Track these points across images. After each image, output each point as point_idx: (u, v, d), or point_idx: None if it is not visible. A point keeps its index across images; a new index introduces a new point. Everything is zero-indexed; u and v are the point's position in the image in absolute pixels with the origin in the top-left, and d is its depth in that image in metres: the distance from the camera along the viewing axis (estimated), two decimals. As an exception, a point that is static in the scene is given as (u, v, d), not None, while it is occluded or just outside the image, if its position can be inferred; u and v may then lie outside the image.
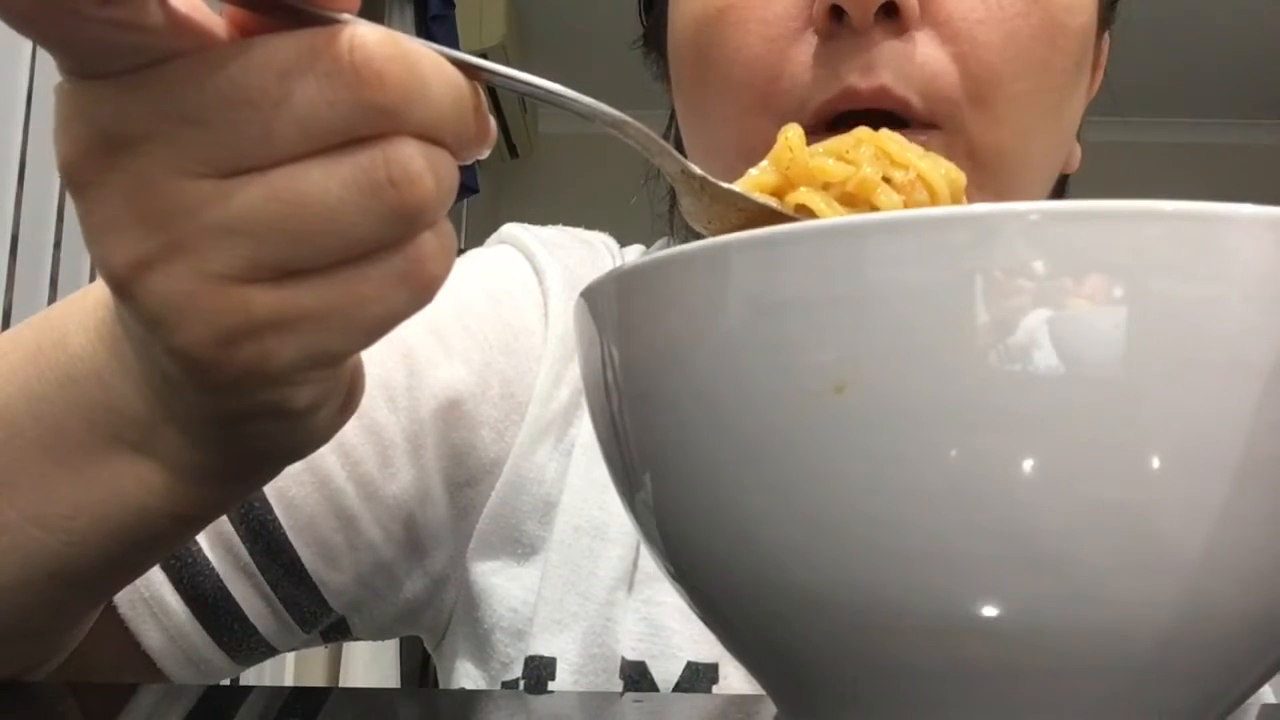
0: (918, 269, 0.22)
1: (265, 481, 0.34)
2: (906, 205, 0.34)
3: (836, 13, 0.45)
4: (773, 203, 0.34)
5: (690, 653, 0.50)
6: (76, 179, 0.25)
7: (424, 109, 0.25)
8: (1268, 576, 0.23)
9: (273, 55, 0.24)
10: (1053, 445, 0.22)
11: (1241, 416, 0.22)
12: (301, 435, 0.30)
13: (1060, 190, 0.57)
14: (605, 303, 0.28)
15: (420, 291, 0.26)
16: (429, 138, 0.25)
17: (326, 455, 0.49)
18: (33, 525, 0.32)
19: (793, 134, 0.34)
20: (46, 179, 1.36)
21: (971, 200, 0.40)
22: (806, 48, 0.46)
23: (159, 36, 0.24)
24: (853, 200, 0.33)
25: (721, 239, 0.25)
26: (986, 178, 0.47)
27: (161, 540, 0.33)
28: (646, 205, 0.64)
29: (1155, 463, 0.22)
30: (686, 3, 0.51)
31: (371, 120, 0.24)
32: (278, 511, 0.48)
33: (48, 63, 1.37)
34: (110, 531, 0.32)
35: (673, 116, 0.58)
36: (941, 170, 0.34)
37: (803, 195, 0.34)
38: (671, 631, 0.50)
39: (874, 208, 0.33)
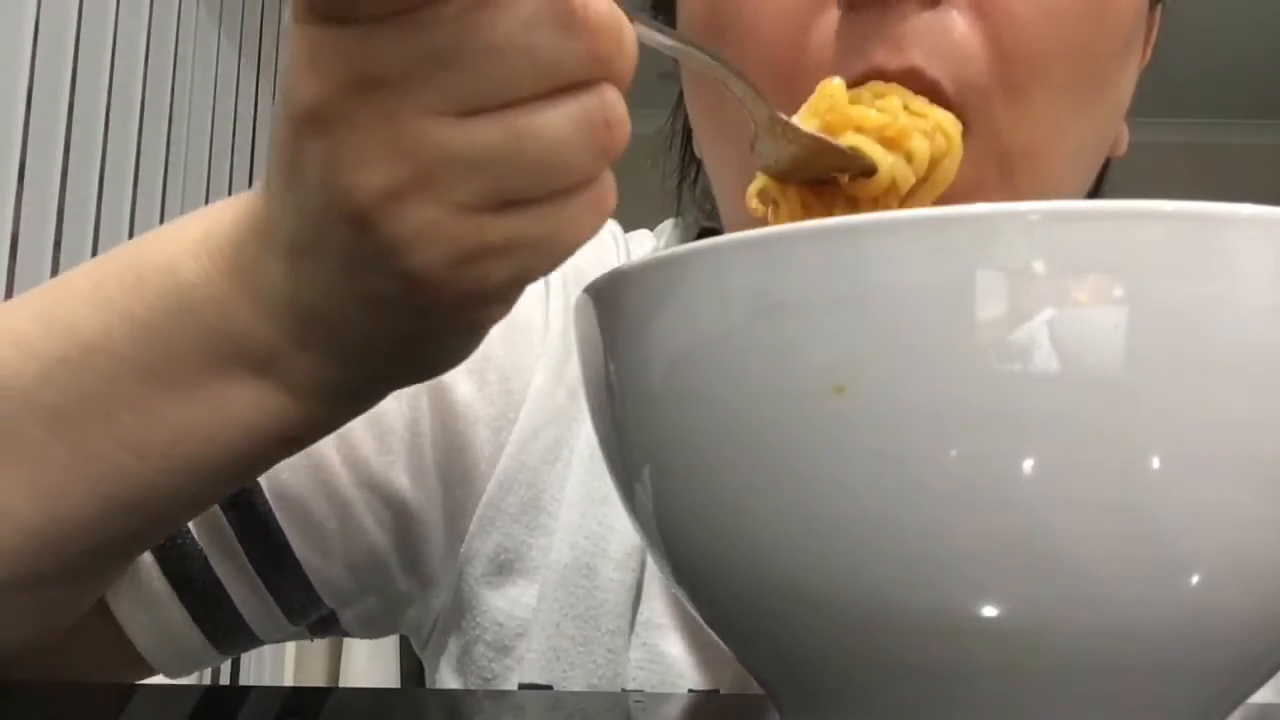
0: (918, 269, 0.22)
1: (380, 400, 0.35)
2: (931, 152, 0.39)
3: None
4: (845, 144, 0.38)
5: (690, 679, 0.49)
6: (324, 115, 0.27)
7: (623, 61, 0.28)
8: (1268, 577, 0.23)
9: (520, 6, 0.27)
10: (1053, 445, 0.22)
11: (1241, 416, 0.22)
12: (461, 355, 0.33)
13: (1101, 177, 0.52)
14: (606, 302, 0.28)
15: (602, 219, 0.30)
16: (620, 86, 0.29)
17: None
18: (128, 454, 0.33)
19: (835, 85, 0.38)
20: (46, 179, 1.36)
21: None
22: (829, 21, 0.43)
23: None
24: (890, 144, 0.38)
25: (722, 239, 0.25)
26: (1018, 181, 0.43)
27: (259, 464, 0.35)
28: (648, 198, 0.63)
29: (1155, 463, 0.22)
30: None
31: (593, 68, 0.27)
32: (268, 494, 0.48)
33: (48, 63, 1.38)
34: (212, 457, 0.33)
35: (678, 105, 0.56)
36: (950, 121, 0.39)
37: (850, 138, 0.38)
38: (672, 659, 0.49)
39: (909, 152, 0.38)
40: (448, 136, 0.27)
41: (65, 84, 1.40)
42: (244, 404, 0.33)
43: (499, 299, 0.30)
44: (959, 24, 0.42)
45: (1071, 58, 0.43)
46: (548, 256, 0.29)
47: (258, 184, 0.32)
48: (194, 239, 0.33)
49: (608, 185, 0.30)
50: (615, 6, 0.28)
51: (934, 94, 0.41)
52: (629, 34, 0.28)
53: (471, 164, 0.27)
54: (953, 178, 0.39)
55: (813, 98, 0.38)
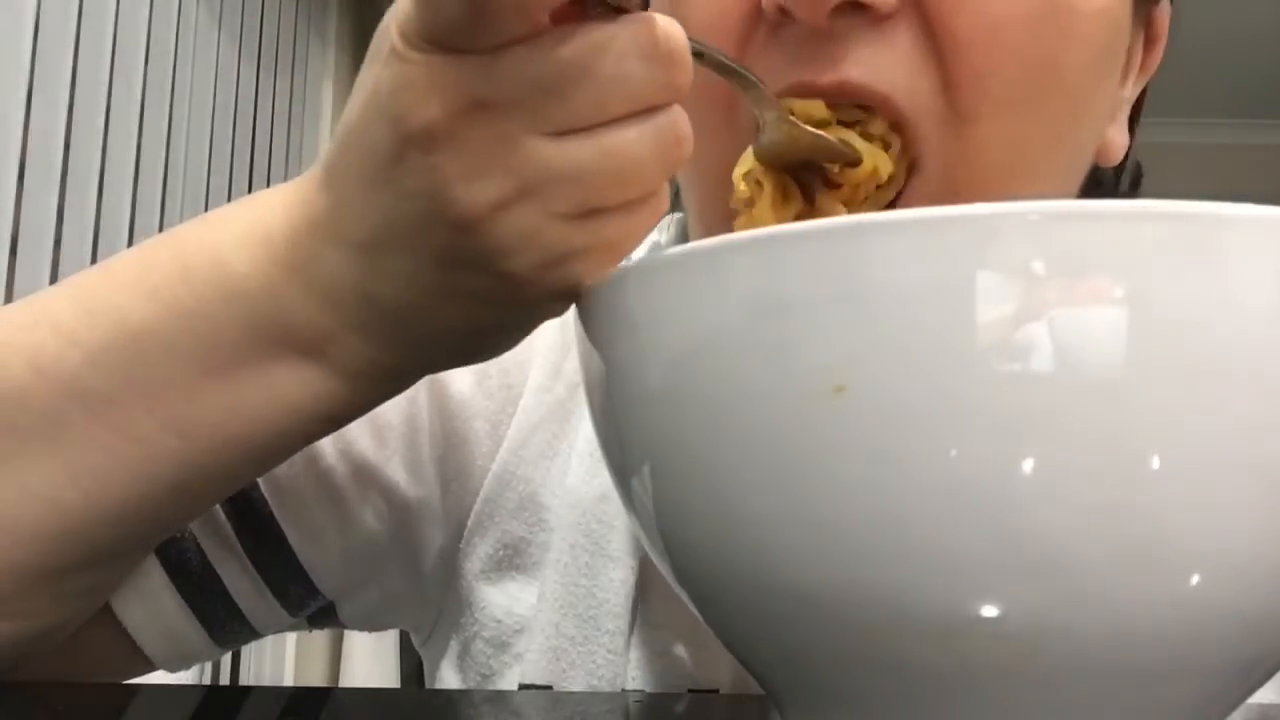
0: (918, 269, 0.22)
1: (417, 381, 0.37)
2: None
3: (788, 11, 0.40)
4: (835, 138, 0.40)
5: (690, 679, 0.49)
6: (438, 134, 0.30)
7: (687, 83, 0.31)
8: (1268, 577, 0.23)
9: (612, 40, 0.30)
10: (1053, 445, 0.22)
11: (1241, 417, 0.22)
12: (514, 343, 0.36)
13: (1092, 186, 0.49)
14: (606, 302, 0.28)
15: (656, 221, 0.33)
16: (682, 104, 0.32)
17: None
18: (174, 435, 0.35)
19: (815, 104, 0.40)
20: (46, 179, 1.36)
21: None
22: (762, 36, 0.42)
23: (535, 15, 0.29)
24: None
25: (722, 239, 0.25)
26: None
27: (300, 444, 0.37)
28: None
29: (1155, 463, 0.22)
30: None
31: (669, 93, 0.31)
32: (264, 488, 0.48)
33: (48, 62, 1.37)
34: (256, 436, 0.35)
35: None
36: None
37: (839, 132, 0.40)
38: (672, 659, 0.49)
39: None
40: (548, 154, 0.30)
41: (65, 84, 1.40)
42: (290, 386, 0.35)
43: (569, 296, 0.33)
44: (903, 44, 0.40)
45: (1027, 75, 0.40)
46: (615, 257, 0.32)
47: (308, 177, 0.34)
48: (241, 229, 0.35)
49: (664, 190, 0.33)
50: (682, 32, 0.31)
51: (884, 109, 0.40)
52: (689, 56, 0.31)
53: (566, 178, 0.30)
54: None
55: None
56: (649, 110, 0.31)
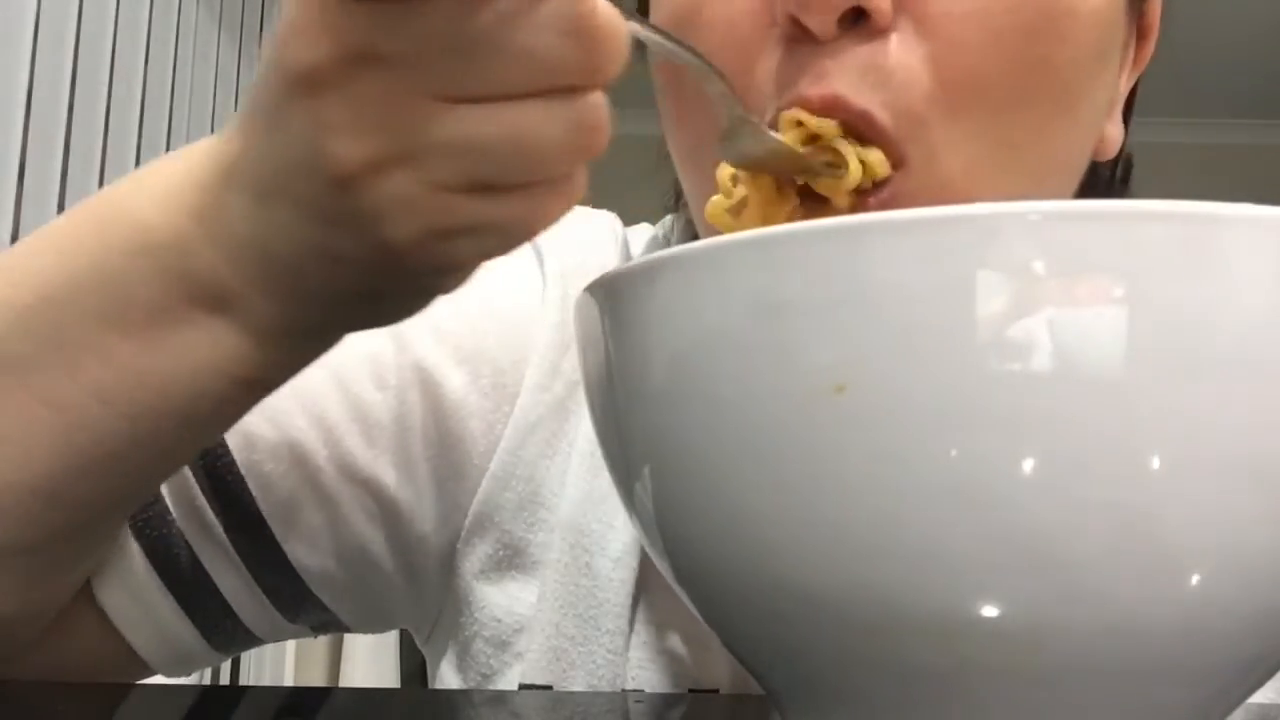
0: (918, 269, 0.22)
1: (335, 343, 0.36)
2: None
3: (800, 21, 0.41)
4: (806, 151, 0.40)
5: (691, 679, 0.49)
6: (320, 79, 0.28)
7: (614, 69, 0.29)
8: (1268, 576, 0.23)
9: (532, 9, 0.28)
10: (1053, 445, 0.22)
11: (1241, 416, 0.22)
12: (412, 313, 0.34)
13: (1091, 181, 0.49)
14: (607, 301, 0.28)
15: (568, 209, 0.31)
16: (606, 89, 0.30)
17: (306, 430, 0.48)
18: (96, 401, 0.34)
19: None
20: (46, 179, 1.36)
21: None
22: (774, 52, 0.42)
23: None
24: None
25: (722, 239, 0.25)
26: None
27: (227, 409, 0.36)
28: (649, 198, 0.62)
29: (1155, 463, 0.22)
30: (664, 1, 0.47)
31: (588, 76, 0.29)
32: (253, 489, 0.47)
33: (48, 63, 1.37)
34: (176, 399, 0.34)
35: None
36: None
37: (828, 129, 0.40)
38: (672, 659, 0.49)
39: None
40: (438, 120, 0.28)
41: (65, 84, 1.40)
42: (202, 345, 0.34)
43: (459, 272, 0.32)
44: (897, 53, 0.40)
45: (1022, 77, 0.41)
46: (512, 239, 0.31)
47: (227, 127, 0.33)
48: (161, 181, 0.34)
49: (580, 177, 0.31)
50: (618, 14, 0.29)
51: (865, 124, 0.40)
52: (625, 41, 0.29)
53: (456, 148, 0.28)
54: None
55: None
56: (566, 91, 0.29)
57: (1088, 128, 0.46)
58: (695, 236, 0.57)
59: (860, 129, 0.40)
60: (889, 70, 0.40)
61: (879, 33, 0.40)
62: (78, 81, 1.42)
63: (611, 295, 0.28)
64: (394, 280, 0.32)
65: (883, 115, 0.40)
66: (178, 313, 0.33)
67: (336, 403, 0.48)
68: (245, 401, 0.36)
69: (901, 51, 0.40)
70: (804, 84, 0.41)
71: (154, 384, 0.34)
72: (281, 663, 2.05)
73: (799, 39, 0.41)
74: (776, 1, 0.41)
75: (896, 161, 0.41)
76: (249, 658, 1.97)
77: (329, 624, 0.53)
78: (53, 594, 0.41)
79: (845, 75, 0.40)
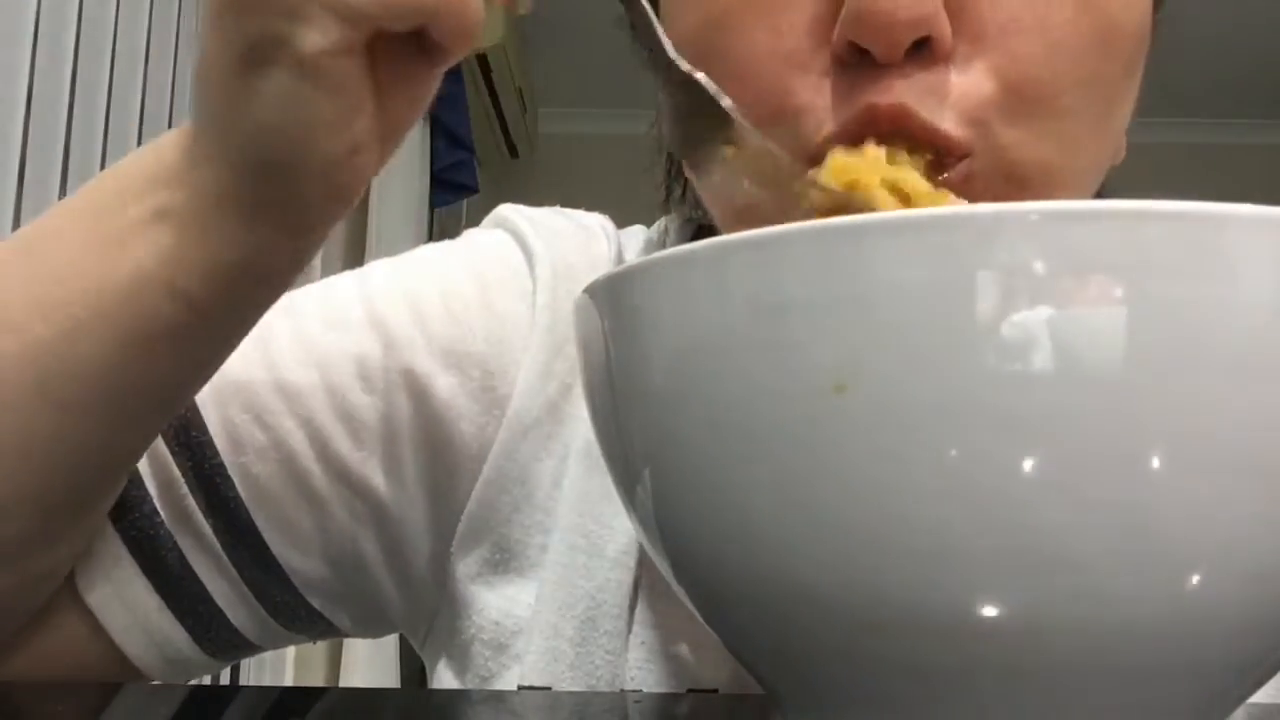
0: (918, 269, 0.22)
1: (279, 243, 0.37)
2: None
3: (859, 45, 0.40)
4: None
5: (690, 679, 0.49)
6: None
7: None
8: (1268, 576, 0.23)
9: None
10: (1053, 445, 0.22)
11: (1241, 416, 0.22)
12: (337, 176, 0.35)
13: (1102, 185, 0.51)
14: (606, 302, 0.28)
15: (418, 19, 0.32)
16: None
17: (294, 431, 0.48)
18: (39, 321, 0.37)
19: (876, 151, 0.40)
20: (46, 179, 1.36)
21: None
22: (823, 64, 0.41)
23: None
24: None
25: (722, 239, 0.25)
26: (1031, 197, 0.41)
27: (161, 329, 0.37)
28: (645, 199, 0.62)
29: (1155, 462, 0.22)
30: (684, 4, 0.46)
31: None
32: (240, 491, 0.47)
33: (48, 63, 1.37)
34: (112, 314, 0.36)
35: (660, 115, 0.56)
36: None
37: (877, 190, 0.39)
38: (672, 659, 0.49)
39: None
40: None
41: (65, 84, 1.40)
42: (139, 249, 0.36)
43: (313, 72, 0.33)
44: (959, 75, 0.41)
45: (1078, 87, 0.42)
46: (351, 30, 0.32)
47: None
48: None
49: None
50: None
51: (931, 136, 0.40)
52: None
53: None
54: None
55: (834, 160, 0.39)
56: None
57: (1116, 137, 0.47)
58: (693, 236, 0.57)
59: (926, 140, 0.40)
60: (952, 86, 0.40)
61: (942, 58, 0.40)
62: (78, 81, 1.42)
63: (611, 295, 0.28)
64: (293, 83, 0.33)
65: (953, 129, 0.40)
66: (127, 222, 0.36)
67: (324, 404, 0.48)
68: (183, 320, 0.37)
69: (964, 74, 0.41)
70: (872, 93, 0.40)
71: (87, 297, 0.36)
72: (282, 667, 2.05)
73: (854, 63, 0.41)
74: (835, 25, 0.40)
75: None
76: (248, 661, 1.97)
77: (325, 630, 0.53)
78: (31, 565, 0.41)
79: (911, 90, 0.40)
